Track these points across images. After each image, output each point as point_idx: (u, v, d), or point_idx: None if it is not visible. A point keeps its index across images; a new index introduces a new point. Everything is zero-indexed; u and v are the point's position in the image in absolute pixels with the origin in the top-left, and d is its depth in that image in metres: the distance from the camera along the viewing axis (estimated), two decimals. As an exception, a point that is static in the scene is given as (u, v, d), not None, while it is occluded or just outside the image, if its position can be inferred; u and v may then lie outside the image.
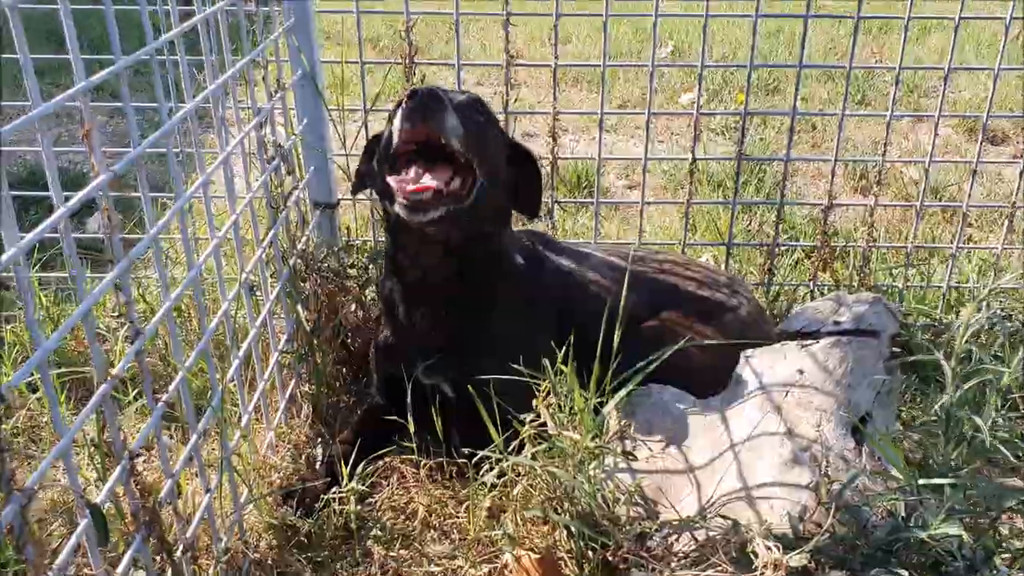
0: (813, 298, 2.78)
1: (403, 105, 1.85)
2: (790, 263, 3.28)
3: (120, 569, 1.37)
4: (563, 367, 1.84)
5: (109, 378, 1.32)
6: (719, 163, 4.38)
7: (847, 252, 3.05)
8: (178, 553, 1.53)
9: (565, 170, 4.12)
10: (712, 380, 2.12)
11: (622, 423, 1.81)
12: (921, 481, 1.52)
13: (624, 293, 2.09)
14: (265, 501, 1.96)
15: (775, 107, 5.34)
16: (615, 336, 1.96)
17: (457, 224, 1.98)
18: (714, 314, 2.33)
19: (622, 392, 1.74)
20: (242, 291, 1.93)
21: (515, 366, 1.94)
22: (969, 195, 2.67)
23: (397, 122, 1.88)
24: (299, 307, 2.24)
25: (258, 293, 2.21)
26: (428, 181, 1.89)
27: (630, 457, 1.73)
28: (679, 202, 2.78)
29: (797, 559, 1.37)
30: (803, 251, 3.41)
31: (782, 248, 3.03)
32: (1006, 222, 2.68)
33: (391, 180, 1.92)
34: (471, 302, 2.11)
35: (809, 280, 2.76)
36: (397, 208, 1.91)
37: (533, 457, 1.79)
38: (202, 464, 1.67)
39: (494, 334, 2.13)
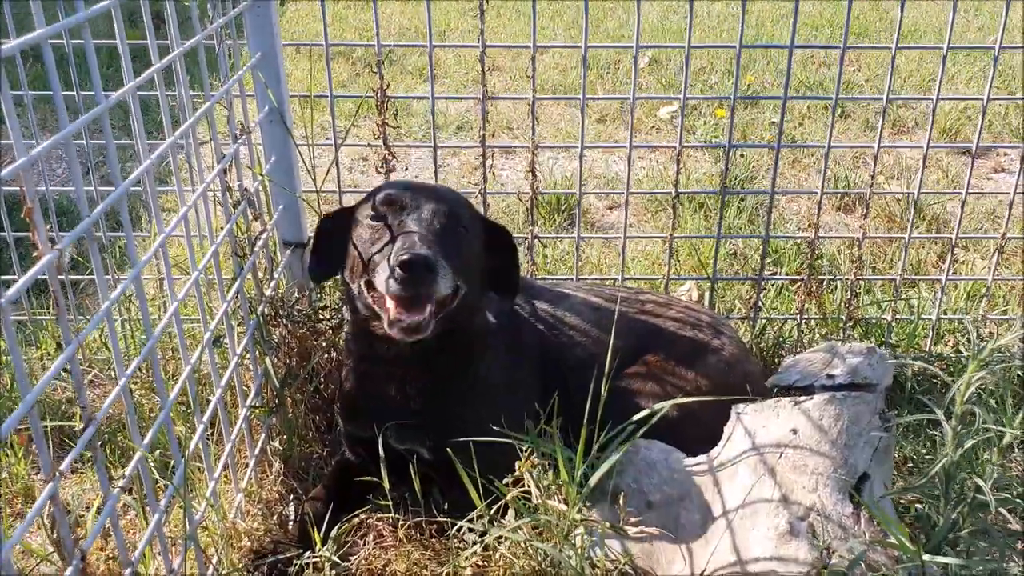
0: (800, 330, 2.72)
1: (394, 273, 1.73)
2: (775, 288, 3.22)
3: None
4: (547, 427, 1.77)
5: (56, 475, 1.22)
6: (701, 182, 4.32)
7: (834, 280, 2.98)
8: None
9: (545, 190, 4.04)
10: (697, 427, 2.04)
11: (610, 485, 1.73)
12: (926, 557, 1.45)
13: (611, 342, 2.01)
14: (235, 568, 1.87)
15: (756, 120, 5.27)
16: (603, 387, 1.89)
17: (438, 326, 1.89)
18: (698, 356, 2.26)
19: (604, 466, 1.65)
20: (206, 350, 1.82)
21: (495, 427, 1.86)
22: (958, 228, 2.61)
23: (383, 277, 1.77)
24: (267, 360, 2.14)
25: (225, 342, 2.10)
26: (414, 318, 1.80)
27: (620, 532, 1.64)
28: (662, 236, 2.69)
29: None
30: (786, 274, 3.34)
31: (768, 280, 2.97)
32: (996, 255, 2.62)
33: (378, 309, 1.86)
34: (444, 369, 2.00)
35: (796, 313, 2.69)
36: (388, 329, 1.81)
37: (517, 525, 1.70)
38: (165, 544, 1.57)
39: (470, 397, 2.04)
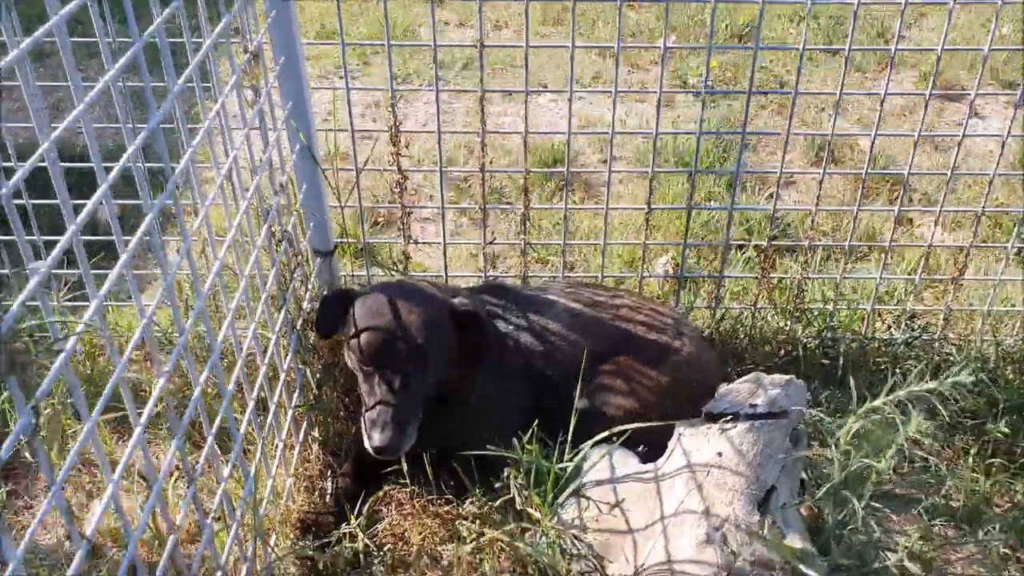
0: (754, 317, 3.18)
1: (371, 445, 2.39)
2: (744, 258, 3.67)
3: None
4: (529, 447, 2.28)
5: (174, 529, 1.73)
6: (684, 138, 4.67)
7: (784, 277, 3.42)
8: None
9: (537, 151, 4.42)
10: (652, 428, 2.54)
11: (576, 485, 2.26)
12: (801, 567, 1.98)
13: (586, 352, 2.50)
14: (291, 540, 2.43)
15: (748, 61, 5.53)
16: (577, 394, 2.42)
17: None
18: (661, 357, 2.74)
19: (572, 487, 2.17)
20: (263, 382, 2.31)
21: (491, 431, 2.39)
22: (891, 238, 3.03)
23: (365, 430, 2.42)
24: (308, 369, 2.63)
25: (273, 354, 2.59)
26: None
27: (580, 538, 2.18)
28: (636, 243, 3.13)
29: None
30: (754, 249, 3.78)
31: (729, 273, 3.41)
32: (923, 261, 3.05)
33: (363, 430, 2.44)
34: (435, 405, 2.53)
35: (751, 304, 3.15)
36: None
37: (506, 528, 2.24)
38: (241, 542, 2.11)
39: (466, 412, 2.55)
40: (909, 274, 3.53)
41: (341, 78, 4.83)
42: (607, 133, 2.87)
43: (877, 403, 2.04)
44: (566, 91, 2.76)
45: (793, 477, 2.29)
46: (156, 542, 2.30)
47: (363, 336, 2.42)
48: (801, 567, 1.99)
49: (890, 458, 2.10)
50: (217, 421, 1.97)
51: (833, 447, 2.15)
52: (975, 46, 5.69)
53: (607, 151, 4.68)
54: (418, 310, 2.47)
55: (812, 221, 2.99)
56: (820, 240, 3.79)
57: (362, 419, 2.43)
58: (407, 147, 2.81)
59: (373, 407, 2.37)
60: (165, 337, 3.11)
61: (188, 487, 1.80)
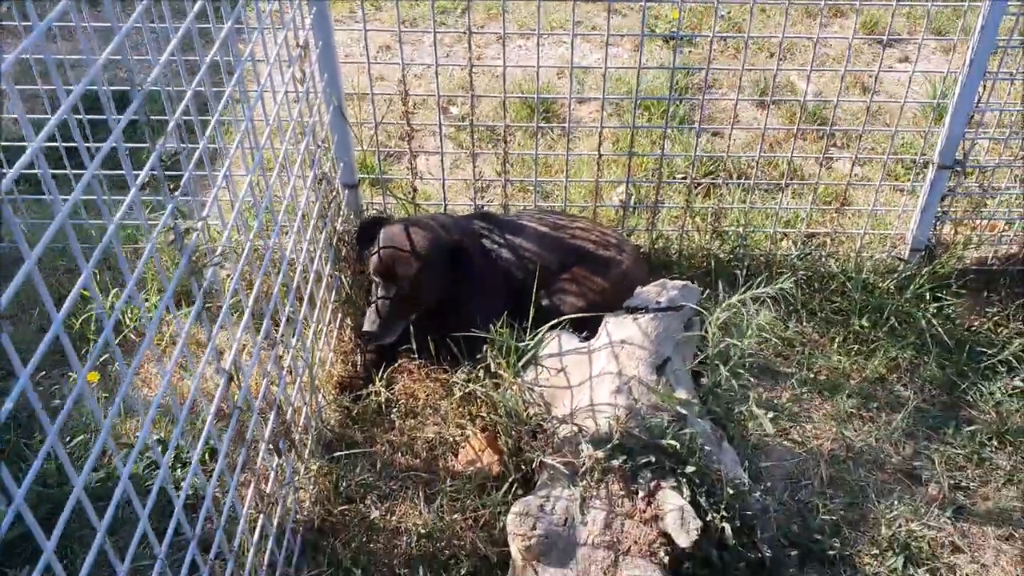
0: (681, 238, 4.11)
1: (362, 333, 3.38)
2: (682, 189, 4.57)
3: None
4: (501, 331, 3.24)
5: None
6: (650, 83, 5.51)
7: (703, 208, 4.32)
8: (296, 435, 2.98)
9: (522, 89, 5.27)
10: (597, 315, 3.50)
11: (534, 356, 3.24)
12: (678, 408, 2.95)
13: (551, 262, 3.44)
14: (333, 395, 3.43)
15: (709, 8, 6.28)
16: (541, 294, 3.38)
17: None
18: (606, 268, 3.69)
19: (527, 356, 3.15)
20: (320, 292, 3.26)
21: (478, 320, 3.36)
22: (786, 179, 3.92)
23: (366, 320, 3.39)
24: (343, 277, 3.60)
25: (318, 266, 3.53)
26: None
27: (531, 390, 3.16)
28: (591, 180, 4.03)
29: (601, 453, 2.82)
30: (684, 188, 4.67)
31: (664, 206, 4.33)
32: (811, 193, 3.96)
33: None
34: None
35: (680, 228, 4.08)
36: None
37: (484, 382, 3.23)
38: (303, 393, 3.09)
39: (461, 308, 3.51)
40: (812, 204, 4.44)
41: (357, 22, 5.67)
42: (567, 67, 3.76)
43: (733, 300, 2.99)
44: (545, 35, 3.61)
45: (687, 351, 3.26)
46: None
47: (375, 255, 3.37)
48: (679, 408, 2.97)
49: (749, 337, 3.07)
50: (286, 311, 2.94)
51: (709, 328, 3.11)
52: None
53: (581, 89, 5.55)
54: (421, 244, 3.39)
55: (725, 164, 3.89)
56: (736, 178, 4.67)
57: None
58: (413, 106, 3.69)
59: (372, 304, 3.35)
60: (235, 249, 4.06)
61: (272, 351, 2.78)
